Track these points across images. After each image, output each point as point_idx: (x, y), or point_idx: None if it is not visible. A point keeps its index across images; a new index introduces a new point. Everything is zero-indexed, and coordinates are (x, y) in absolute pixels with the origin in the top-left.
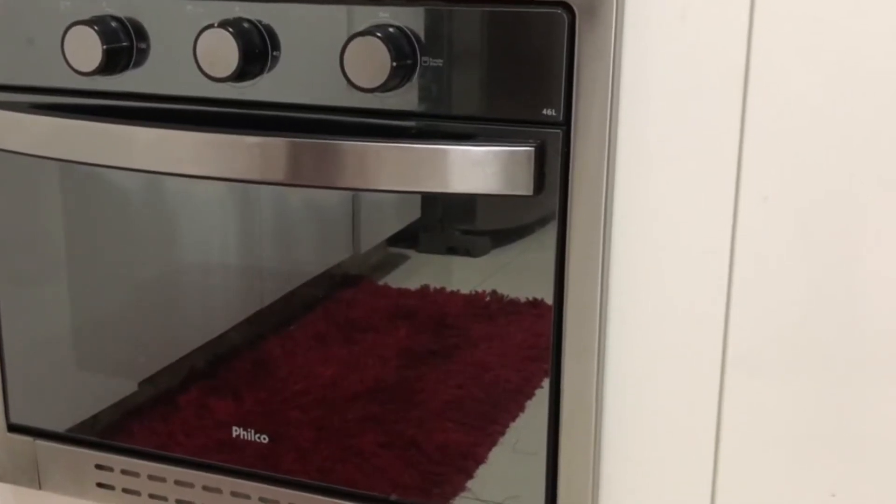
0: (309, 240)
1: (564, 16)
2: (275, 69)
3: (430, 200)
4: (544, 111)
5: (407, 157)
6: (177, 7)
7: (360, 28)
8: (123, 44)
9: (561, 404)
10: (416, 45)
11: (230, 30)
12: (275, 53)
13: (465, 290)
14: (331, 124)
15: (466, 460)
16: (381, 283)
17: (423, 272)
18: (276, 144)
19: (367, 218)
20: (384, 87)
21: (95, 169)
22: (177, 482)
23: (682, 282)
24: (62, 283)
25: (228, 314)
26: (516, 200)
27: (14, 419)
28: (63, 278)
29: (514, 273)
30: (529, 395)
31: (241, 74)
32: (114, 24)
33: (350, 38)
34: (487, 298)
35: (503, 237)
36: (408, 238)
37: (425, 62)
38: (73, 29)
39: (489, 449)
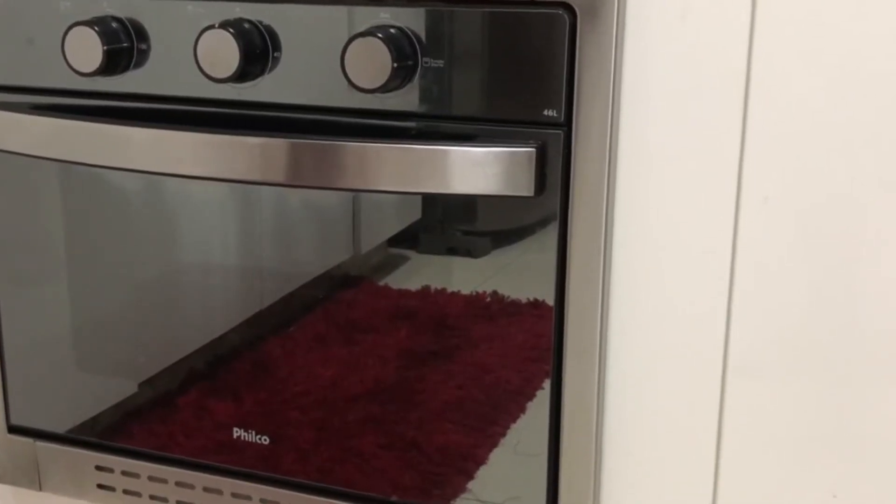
0: (309, 240)
1: (565, 17)
2: (275, 70)
3: (431, 201)
4: (545, 112)
5: (408, 158)
6: (177, 8)
7: (361, 29)
8: (124, 44)
9: (562, 405)
10: (417, 46)
11: (231, 30)
12: (275, 54)
13: (465, 291)
14: (331, 125)
15: (467, 461)
16: (381, 283)
17: (423, 273)
18: (277, 145)
19: (368, 219)
20: (385, 88)
21: (96, 169)
22: (177, 483)
23: (682, 282)
24: (62, 283)
25: (229, 315)
26: (517, 201)
27: (14, 420)
28: (63, 279)
29: (515, 274)
30: (530, 396)
31: (241, 75)
32: (114, 24)
33: (351, 39)
34: (488, 299)
35: (504, 238)
36: (408, 239)
37: (426, 63)
38: (74, 29)
39: (490, 450)
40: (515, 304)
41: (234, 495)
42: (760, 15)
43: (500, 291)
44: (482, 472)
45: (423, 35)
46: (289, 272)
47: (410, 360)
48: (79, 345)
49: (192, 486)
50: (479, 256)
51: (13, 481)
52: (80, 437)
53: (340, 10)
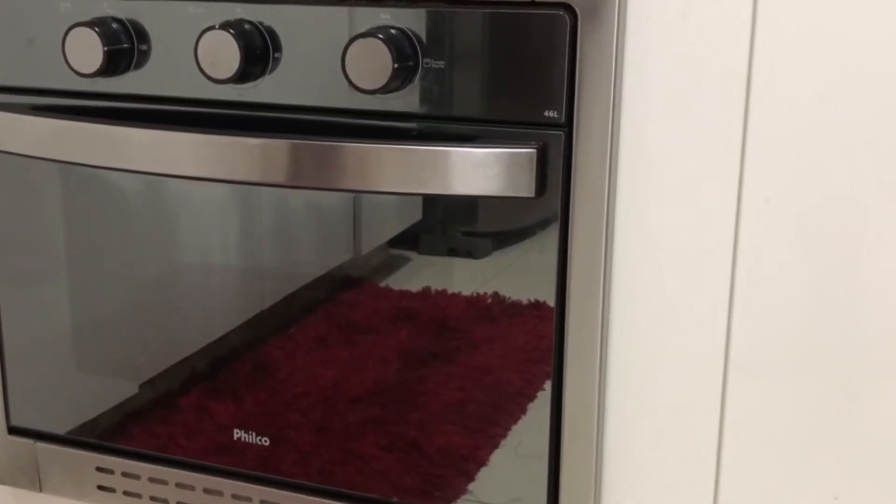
0: (310, 241)
1: (566, 17)
2: (276, 71)
3: (432, 202)
4: (546, 113)
5: (408, 159)
6: (178, 8)
7: (362, 29)
8: (124, 45)
9: (563, 406)
10: (418, 47)
11: (231, 31)
12: (276, 55)
13: (466, 292)
14: (332, 126)
15: (468, 463)
16: (382, 284)
17: (424, 274)
18: (278, 146)
19: (369, 219)
20: (386, 89)
21: (96, 170)
22: (178, 485)
23: (683, 283)
24: (63, 284)
25: (229, 316)
26: (518, 202)
27: (14, 421)
28: (64, 280)
29: (516, 275)
30: (531, 398)
31: (242, 76)
32: (115, 25)
33: (351, 40)
34: (489, 300)
35: (505, 239)
36: (409, 240)
37: (427, 64)
38: (74, 30)
39: (491, 451)
40: (516, 306)
41: (235, 496)
42: (761, 15)
43: (501, 292)
44: (483, 474)
45: (423, 36)
46: (289, 273)
47: (411, 362)
48: (79, 345)
49: (192, 488)
50: (480, 257)
51: (13, 482)
52: (81, 438)
53: (341, 11)
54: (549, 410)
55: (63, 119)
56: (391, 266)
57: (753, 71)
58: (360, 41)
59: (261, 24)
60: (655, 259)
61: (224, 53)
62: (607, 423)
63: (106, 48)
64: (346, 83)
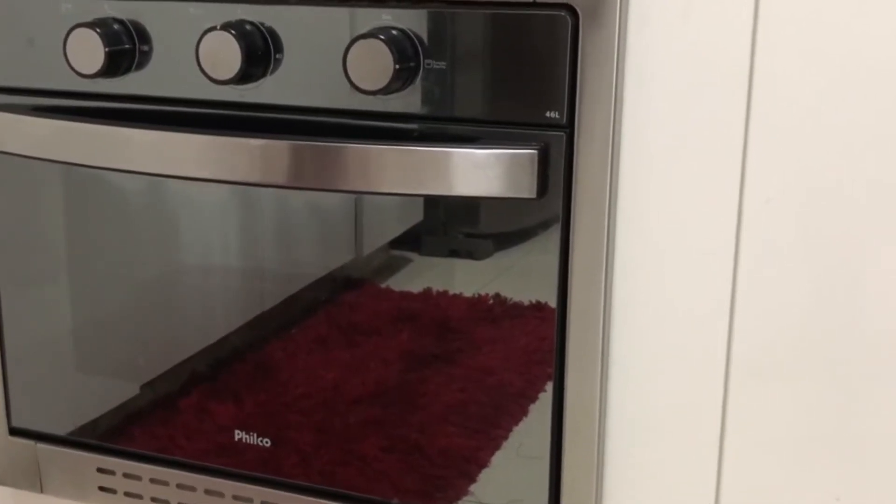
0: (311, 242)
1: (568, 18)
2: (277, 71)
3: (433, 203)
4: (547, 114)
5: (410, 160)
6: (179, 9)
7: (363, 30)
8: (125, 46)
9: (564, 408)
10: (419, 48)
11: (232, 32)
12: (277, 56)
13: (468, 294)
14: (333, 127)
15: (469, 464)
16: (383, 286)
17: (425, 275)
18: (279, 147)
19: (370, 221)
20: (387, 90)
21: (97, 171)
22: (179, 486)
23: (685, 284)
24: (64, 285)
25: (230, 317)
26: (519, 203)
27: (15, 423)
28: (65, 281)
29: (518, 276)
30: (533, 399)
31: (243, 77)
32: (116, 26)
33: (353, 41)
34: (490, 302)
35: (506, 240)
36: (410, 241)
37: (428, 65)
38: (76, 31)
39: (492, 453)
40: (518, 307)
41: (236, 498)
42: (762, 14)
43: (503, 294)
44: (484, 475)
45: (425, 37)
46: (290, 274)
47: (412, 363)
48: (80, 346)
49: (193, 489)
50: (482, 258)
51: (14, 483)
52: (82, 439)
53: (342, 12)
54: (551, 412)
55: (64, 120)
56: (392, 267)
57: (754, 71)
58: (361, 42)
59: (262, 24)
60: (657, 260)
61: (225, 54)
62: (608, 424)
63: (107, 49)
64: (348, 84)
